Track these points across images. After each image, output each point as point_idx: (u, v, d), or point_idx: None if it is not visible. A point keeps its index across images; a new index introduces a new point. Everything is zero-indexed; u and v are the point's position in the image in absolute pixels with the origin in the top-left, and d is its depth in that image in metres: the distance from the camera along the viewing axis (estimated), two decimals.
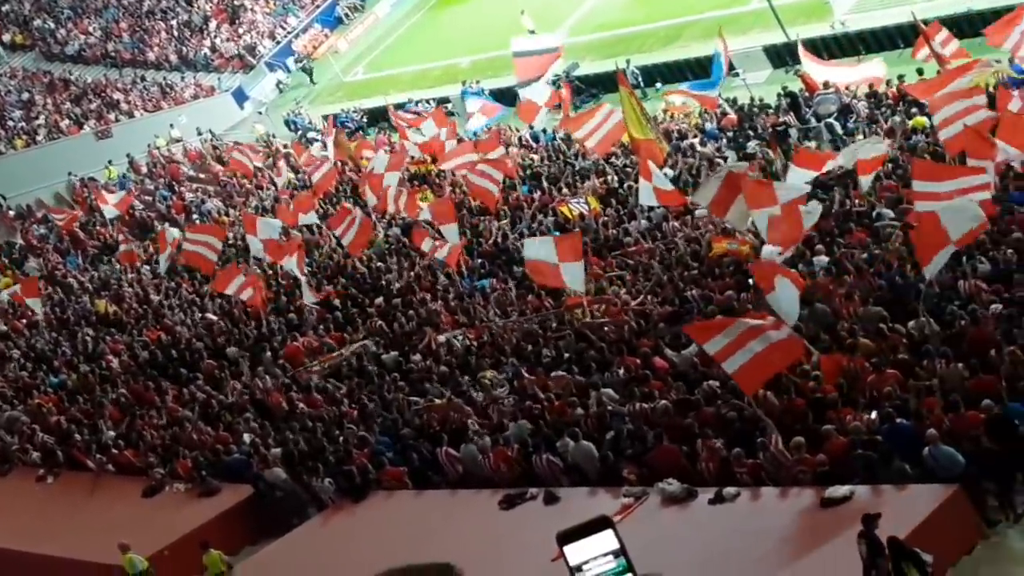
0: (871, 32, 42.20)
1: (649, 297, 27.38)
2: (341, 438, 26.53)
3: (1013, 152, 25.53)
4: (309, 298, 33.91)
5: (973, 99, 27.00)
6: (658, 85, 44.92)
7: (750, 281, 25.42)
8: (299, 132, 57.40)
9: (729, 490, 20.19)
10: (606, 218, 32.89)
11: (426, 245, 33.81)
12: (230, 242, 41.62)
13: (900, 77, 34.68)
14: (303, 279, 34.76)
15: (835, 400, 20.50)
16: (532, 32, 54.58)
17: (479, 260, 33.45)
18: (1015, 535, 18.11)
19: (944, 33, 33.40)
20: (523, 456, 23.53)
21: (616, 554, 3.70)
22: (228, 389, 31.18)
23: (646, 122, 33.62)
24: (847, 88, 35.73)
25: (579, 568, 3.73)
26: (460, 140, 43.46)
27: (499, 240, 34.25)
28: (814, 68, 37.16)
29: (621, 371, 24.41)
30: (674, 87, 38.53)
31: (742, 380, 20.54)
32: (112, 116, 65.05)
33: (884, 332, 21.88)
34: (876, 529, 16.62)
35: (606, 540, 3.70)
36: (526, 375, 25.65)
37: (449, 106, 50.96)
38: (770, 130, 34.02)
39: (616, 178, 35.68)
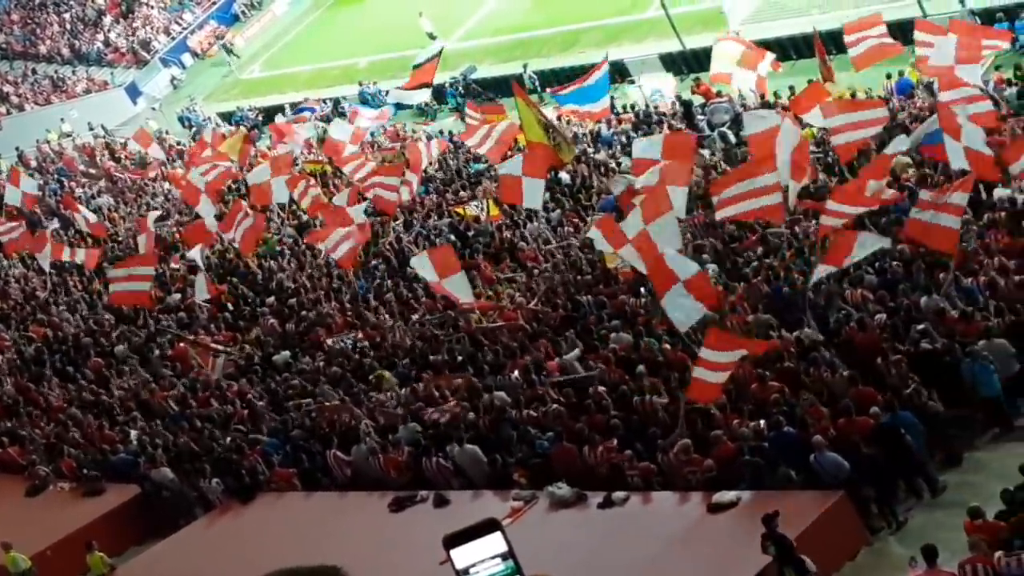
0: (764, 43, 42.63)
1: (541, 302, 27.47)
2: (230, 438, 26.27)
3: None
4: (202, 295, 33.39)
5: (873, 111, 27.08)
6: (546, 92, 45.08)
7: (641, 289, 25.63)
8: (193, 129, 56.78)
9: (619, 494, 20.32)
10: (502, 222, 32.95)
11: (326, 245, 33.47)
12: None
13: (791, 88, 35.07)
14: (202, 272, 34.21)
15: (723, 406, 20.71)
16: (431, 35, 54.52)
17: (374, 262, 33.30)
18: (896, 542, 18.42)
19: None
20: (413, 459, 23.49)
21: (504, 557, 3.69)
22: (115, 387, 30.76)
23: (542, 128, 33.63)
24: (740, 98, 36.07)
25: (466, 571, 3.71)
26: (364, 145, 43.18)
27: (393, 242, 34.12)
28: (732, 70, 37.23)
29: (515, 374, 24.46)
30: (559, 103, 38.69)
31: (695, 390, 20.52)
32: (2, 108, 63.87)
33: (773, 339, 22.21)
34: (777, 527, 16.87)
35: (494, 543, 3.69)
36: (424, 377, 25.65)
37: (346, 106, 50.74)
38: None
39: None
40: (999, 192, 24.45)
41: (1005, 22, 35.88)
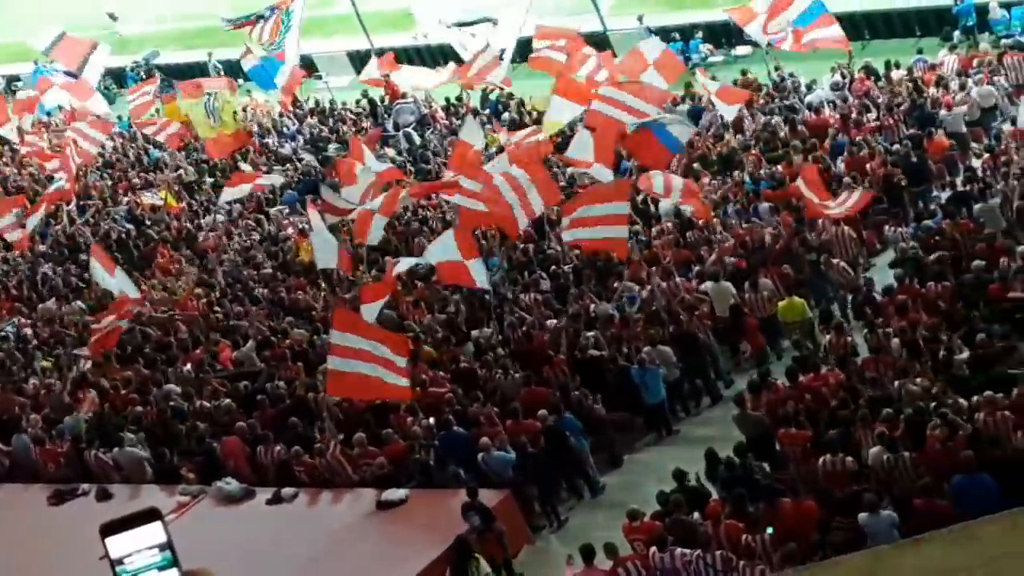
0: (451, 47, 43.11)
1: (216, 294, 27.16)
2: None
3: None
4: None
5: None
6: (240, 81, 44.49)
7: (321, 283, 25.63)
8: None
9: (287, 490, 20.24)
10: (181, 212, 32.41)
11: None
12: None
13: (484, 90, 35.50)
14: None
15: (397, 405, 20.85)
16: (112, 16, 52.99)
17: (49, 247, 32.30)
18: (557, 541, 18.93)
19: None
20: (76, 451, 22.79)
21: (162, 547, 3.62)
22: None
23: (212, 119, 33.25)
24: (426, 100, 36.41)
25: (121, 561, 3.63)
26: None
27: (66, 226, 33.13)
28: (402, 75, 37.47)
29: (187, 367, 24.06)
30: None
31: (333, 384, 20.28)
32: None
33: (449, 340, 22.54)
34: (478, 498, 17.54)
35: (152, 532, 3.62)
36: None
37: (19, 84, 48.81)
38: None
39: (193, 172, 35.24)
40: (665, 204, 25.35)
41: (679, 42, 37.31)
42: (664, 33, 37.67)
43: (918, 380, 17.38)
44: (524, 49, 33.50)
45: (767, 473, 17.14)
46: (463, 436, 19.49)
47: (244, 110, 39.35)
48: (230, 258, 28.82)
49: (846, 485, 16.05)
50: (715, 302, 21.77)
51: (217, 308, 26.47)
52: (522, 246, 25.44)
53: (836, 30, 28.87)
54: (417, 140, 33.77)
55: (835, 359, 19.06)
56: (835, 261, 22.08)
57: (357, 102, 38.14)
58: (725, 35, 36.96)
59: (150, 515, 3.98)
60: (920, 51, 30.98)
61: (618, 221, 21.43)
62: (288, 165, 33.93)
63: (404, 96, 36.45)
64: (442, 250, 22.23)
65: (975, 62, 28.99)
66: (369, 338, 19.58)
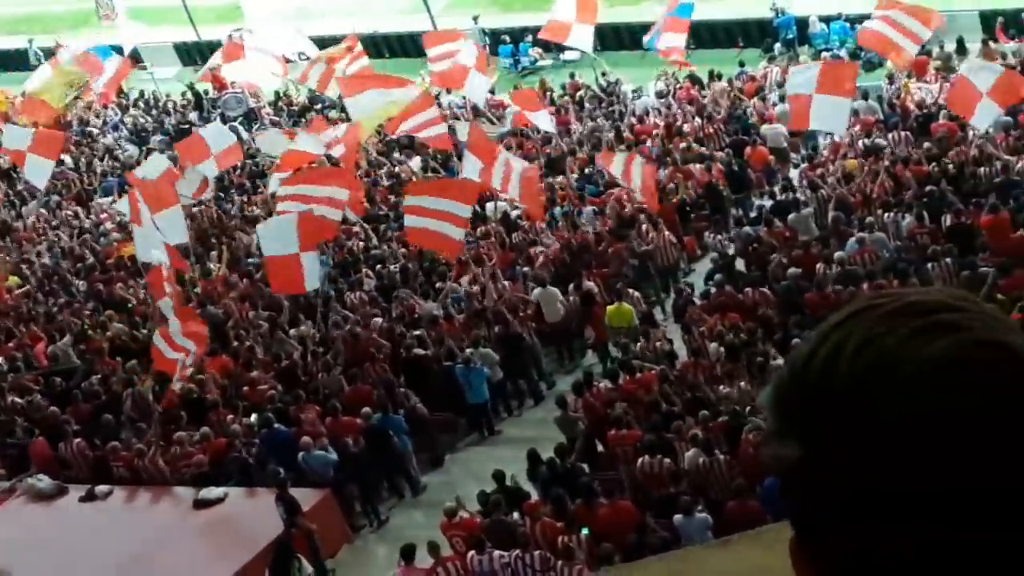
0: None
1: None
2: None
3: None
4: None
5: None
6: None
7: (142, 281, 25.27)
8: None
9: (101, 488, 19.83)
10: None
11: None
12: None
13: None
14: None
15: (216, 402, 20.62)
16: None
17: None
18: (377, 540, 18.92)
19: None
20: None
21: None
22: None
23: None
24: (255, 95, 36.05)
25: None
26: None
27: None
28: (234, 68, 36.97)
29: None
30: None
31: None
32: None
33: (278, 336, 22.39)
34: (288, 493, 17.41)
35: None
36: None
37: None
38: None
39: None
40: (491, 205, 25.51)
41: (509, 45, 37.62)
42: (495, 36, 37.93)
43: (737, 384, 17.76)
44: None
45: (586, 473, 17.36)
46: (284, 434, 19.34)
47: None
48: (48, 249, 28.19)
49: (664, 487, 16.34)
50: (543, 307, 21.90)
51: (31, 300, 25.90)
52: (349, 244, 25.36)
53: (681, 40, 29.15)
54: (245, 134, 33.40)
55: (653, 359, 19.37)
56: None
57: (183, 94, 37.61)
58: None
59: None
60: (742, 64, 31.64)
61: (457, 222, 21.37)
62: (108, 157, 33.33)
63: (232, 85, 36.03)
64: (277, 236, 21.34)
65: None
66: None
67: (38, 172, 29.09)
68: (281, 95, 36.04)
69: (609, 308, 21.44)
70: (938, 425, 1.29)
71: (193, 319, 20.80)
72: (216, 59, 36.63)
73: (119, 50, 38.24)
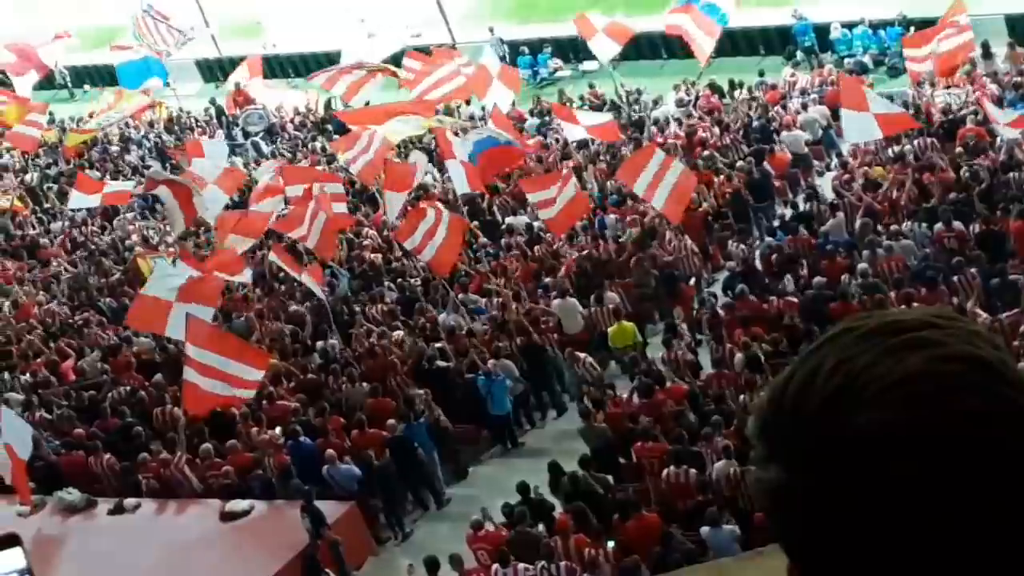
0: (300, 56, 42.99)
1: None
2: None
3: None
4: None
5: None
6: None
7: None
8: None
9: (130, 501, 19.94)
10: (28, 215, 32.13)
11: None
12: None
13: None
14: None
15: (246, 415, 20.65)
16: None
17: None
18: (401, 553, 18.95)
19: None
20: None
21: (22, 573, 3.58)
22: None
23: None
24: (277, 109, 36.23)
25: None
26: None
27: None
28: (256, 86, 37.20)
29: (26, 376, 23.67)
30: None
31: (189, 399, 19.79)
32: None
33: (296, 350, 22.46)
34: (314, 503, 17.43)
35: (13, 559, 3.57)
36: None
37: None
38: None
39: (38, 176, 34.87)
40: (513, 219, 25.59)
41: (528, 56, 37.67)
42: (513, 47, 37.97)
43: (761, 395, 17.67)
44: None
45: (610, 485, 17.37)
46: (310, 446, 19.40)
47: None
48: (77, 266, 28.39)
49: (691, 497, 16.33)
50: (563, 318, 21.93)
51: (59, 316, 26.06)
52: (370, 257, 25.43)
53: (710, 43, 28.99)
54: (265, 149, 33.57)
55: (675, 372, 19.36)
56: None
57: (205, 110, 37.79)
58: (573, 50, 37.28)
59: (10, 541, 3.97)
60: (762, 73, 31.52)
61: (451, 249, 22.46)
62: (133, 173, 33.54)
63: (253, 103, 36.22)
64: (163, 280, 21.72)
65: (816, 81, 29.70)
66: (222, 354, 19.18)
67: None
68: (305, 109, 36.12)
69: (611, 328, 21.30)
70: (906, 438, 1.31)
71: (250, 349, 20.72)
72: (240, 74, 36.83)
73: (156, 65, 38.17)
